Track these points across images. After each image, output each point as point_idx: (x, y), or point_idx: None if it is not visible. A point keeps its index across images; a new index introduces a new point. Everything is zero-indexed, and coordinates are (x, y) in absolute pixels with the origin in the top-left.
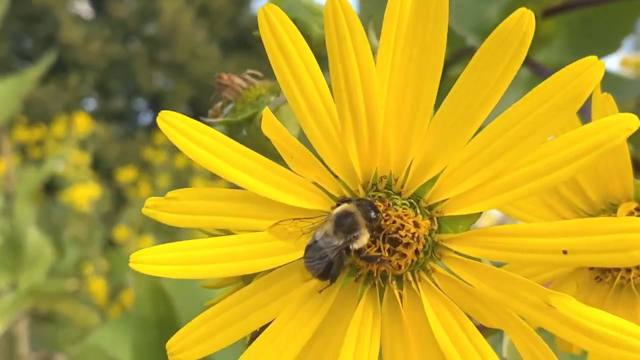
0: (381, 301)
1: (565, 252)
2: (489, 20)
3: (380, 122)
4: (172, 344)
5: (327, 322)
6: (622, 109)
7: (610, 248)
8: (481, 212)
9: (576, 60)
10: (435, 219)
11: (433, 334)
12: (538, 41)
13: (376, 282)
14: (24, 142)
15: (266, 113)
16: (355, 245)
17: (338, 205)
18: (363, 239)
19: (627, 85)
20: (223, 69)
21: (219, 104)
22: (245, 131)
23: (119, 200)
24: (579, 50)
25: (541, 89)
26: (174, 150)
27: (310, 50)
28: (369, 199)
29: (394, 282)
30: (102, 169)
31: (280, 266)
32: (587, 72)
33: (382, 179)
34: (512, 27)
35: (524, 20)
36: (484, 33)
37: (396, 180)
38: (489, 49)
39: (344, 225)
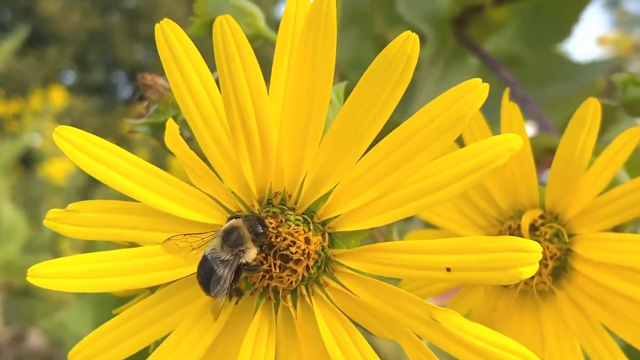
0: (276, 314)
1: (449, 270)
2: (441, 9)
3: (273, 138)
4: (74, 354)
5: (223, 334)
6: (591, 90)
7: (490, 267)
8: (372, 228)
9: (526, 48)
10: (327, 234)
11: (325, 345)
12: (489, 28)
13: (270, 296)
14: (1, 116)
15: (169, 125)
16: (243, 260)
17: (228, 221)
18: (250, 253)
19: (583, 69)
20: (202, 43)
21: (144, 104)
22: None
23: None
24: (529, 38)
25: (426, 111)
26: (133, 145)
27: (206, 66)
28: (257, 214)
29: (288, 296)
30: None
31: (179, 279)
32: (470, 94)
33: (276, 195)
34: (396, 52)
35: (408, 45)
36: (436, 21)
37: (290, 196)
38: (374, 72)
39: (230, 240)
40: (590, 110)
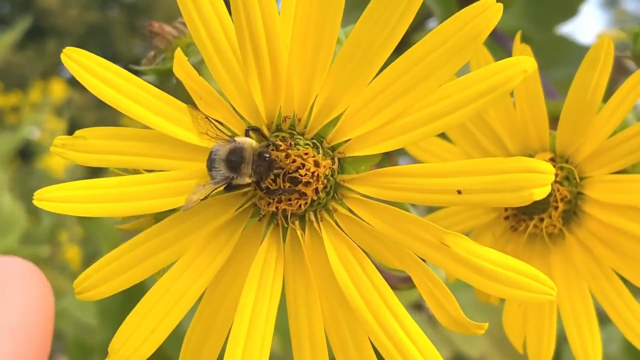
0: (284, 241)
1: (459, 192)
2: None
3: (283, 61)
4: (78, 283)
5: (231, 262)
6: None
7: (501, 188)
8: (382, 153)
9: (532, 26)
10: (337, 159)
11: (333, 273)
12: None
13: (279, 222)
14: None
15: (178, 55)
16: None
17: (246, 133)
18: (244, 179)
19: (586, 51)
20: None
21: (152, 52)
22: (175, 79)
23: (94, 167)
24: (535, 16)
25: (440, 31)
26: None
27: None
28: (269, 147)
29: (297, 222)
30: None
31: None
32: (485, 13)
33: (285, 119)
34: None
35: None
36: None
37: (299, 120)
38: None
39: (230, 161)
40: (603, 50)
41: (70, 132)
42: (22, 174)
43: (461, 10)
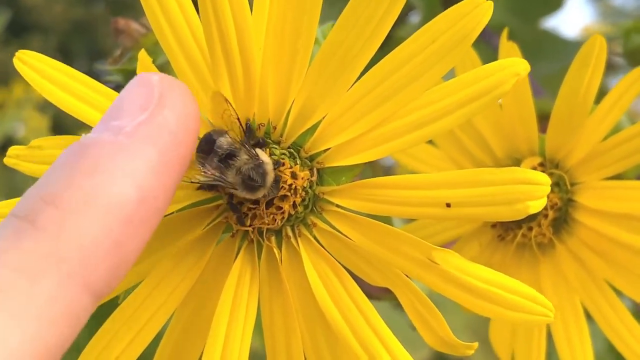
0: (259, 258)
1: (449, 205)
2: None
3: (256, 64)
4: None
5: (202, 281)
6: None
7: (493, 201)
8: (364, 163)
9: (517, 21)
10: (316, 170)
11: (312, 291)
12: None
13: (253, 238)
14: None
15: (142, 57)
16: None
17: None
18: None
19: (572, 46)
20: None
21: (118, 51)
22: None
23: None
24: (519, 10)
25: (426, 31)
26: None
27: None
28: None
29: (273, 237)
30: (62, 132)
31: None
32: (475, 11)
33: (259, 127)
34: None
35: None
36: None
37: (275, 128)
38: None
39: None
40: (596, 48)
41: (53, 129)
42: (7, 171)
43: (449, 9)
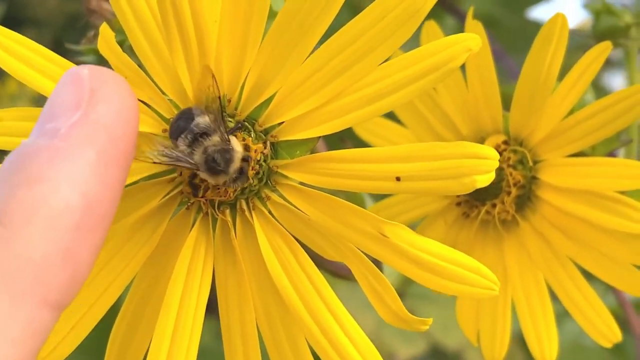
0: (214, 231)
1: (399, 179)
2: None
3: (211, 37)
4: None
5: (158, 253)
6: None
7: (441, 175)
8: (319, 137)
9: (504, 10)
10: (269, 143)
11: (266, 264)
12: None
13: (208, 211)
14: None
15: (103, 30)
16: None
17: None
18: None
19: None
20: None
21: (92, 32)
22: None
23: None
24: (508, 0)
25: (377, 5)
26: None
27: None
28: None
29: (227, 210)
30: None
31: None
32: None
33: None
34: None
35: None
36: None
37: (229, 101)
38: None
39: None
40: (558, 26)
41: None
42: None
43: None
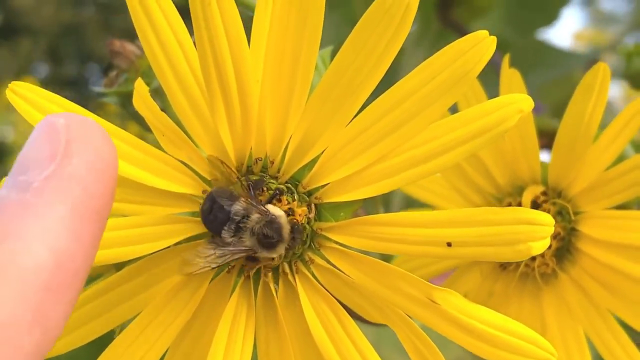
0: (256, 295)
1: (449, 245)
2: None
3: (254, 97)
4: None
5: (197, 317)
6: (570, 80)
7: (496, 241)
8: (364, 199)
9: (513, 32)
10: (314, 205)
11: (310, 329)
12: (474, 11)
13: (250, 274)
14: None
15: (138, 86)
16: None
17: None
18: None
19: (565, 57)
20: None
21: (114, 72)
22: None
23: None
24: (515, 21)
25: (426, 67)
26: (124, 118)
27: (178, 16)
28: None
29: (270, 274)
30: None
31: (150, 254)
32: (477, 47)
33: (257, 161)
34: None
35: None
36: (420, 3)
37: (272, 162)
38: (370, 20)
39: (266, 238)
40: (600, 75)
41: None
42: None
43: (451, 44)
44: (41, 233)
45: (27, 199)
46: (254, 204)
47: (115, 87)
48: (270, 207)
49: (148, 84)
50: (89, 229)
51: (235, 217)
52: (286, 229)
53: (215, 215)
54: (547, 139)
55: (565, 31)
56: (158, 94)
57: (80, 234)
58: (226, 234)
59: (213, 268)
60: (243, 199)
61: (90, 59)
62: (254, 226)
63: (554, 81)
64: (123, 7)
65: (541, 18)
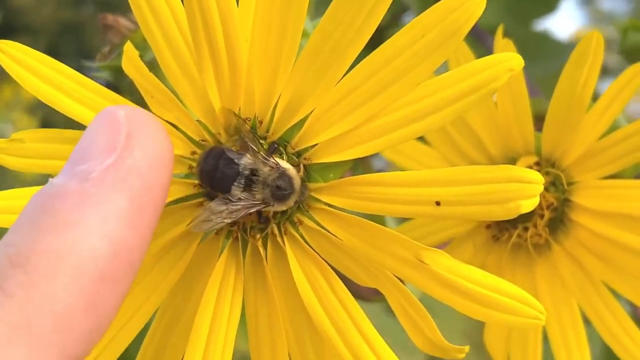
0: (244, 256)
1: (438, 204)
2: None
3: (242, 57)
4: None
5: (185, 278)
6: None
7: (484, 200)
8: (353, 160)
9: (512, 22)
10: (303, 166)
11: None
12: None
13: (238, 236)
14: None
15: (127, 49)
16: None
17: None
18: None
19: (565, 48)
20: None
21: (107, 47)
22: None
23: None
24: (515, 11)
25: (416, 25)
26: (118, 93)
27: None
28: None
29: (258, 235)
30: None
31: None
32: (465, 5)
33: (246, 121)
34: None
35: None
36: None
37: (261, 122)
38: None
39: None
40: (592, 45)
41: None
42: None
43: (439, 2)
44: (100, 223)
45: (86, 189)
46: (265, 157)
47: (108, 61)
48: (277, 159)
49: (140, 57)
50: (146, 221)
51: (244, 172)
52: (297, 181)
53: (223, 172)
54: (543, 123)
55: (565, 30)
56: (151, 67)
57: (138, 226)
58: (236, 190)
59: (227, 223)
60: (249, 154)
61: (90, 56)
62: (266, 178)
63: (554, 73)
64: (122, 6)
65: (540, 8)
